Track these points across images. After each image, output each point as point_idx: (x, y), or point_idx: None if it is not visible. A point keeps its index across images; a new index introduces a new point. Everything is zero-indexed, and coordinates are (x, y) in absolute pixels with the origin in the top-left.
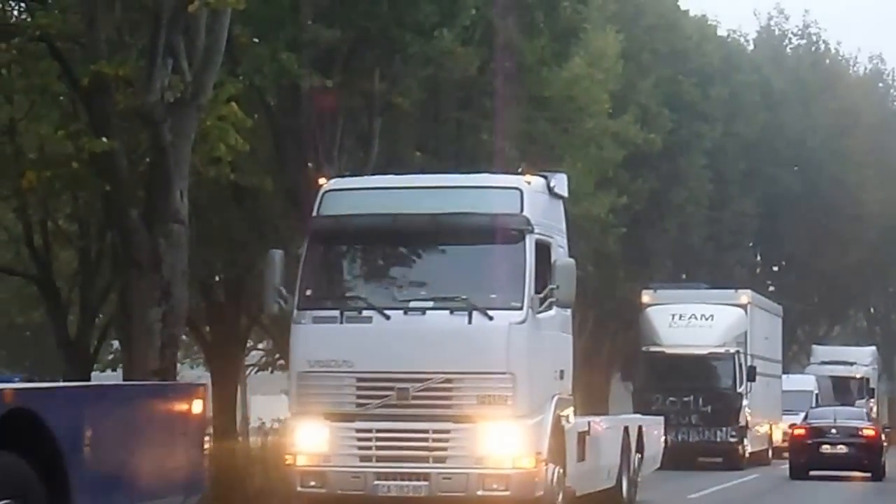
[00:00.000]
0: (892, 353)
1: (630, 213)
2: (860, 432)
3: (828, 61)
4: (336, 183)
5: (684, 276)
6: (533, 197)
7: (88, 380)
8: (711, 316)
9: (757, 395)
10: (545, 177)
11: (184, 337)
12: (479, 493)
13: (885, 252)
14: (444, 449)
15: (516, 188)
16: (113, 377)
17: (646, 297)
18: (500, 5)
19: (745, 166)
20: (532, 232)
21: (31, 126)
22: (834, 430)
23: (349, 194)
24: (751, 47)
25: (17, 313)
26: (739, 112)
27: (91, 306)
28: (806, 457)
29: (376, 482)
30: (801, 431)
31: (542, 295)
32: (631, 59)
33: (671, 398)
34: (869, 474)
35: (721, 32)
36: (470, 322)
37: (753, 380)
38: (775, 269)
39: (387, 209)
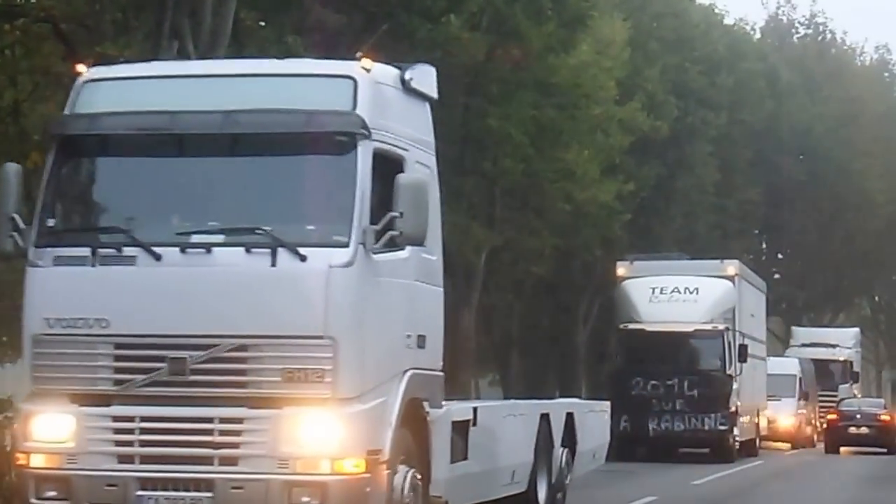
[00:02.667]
0: None
1: (636, 200)
2: (878, 417)
3: (834, 51)
4: (99, 71)
5: None
6: (374, 91)
7: None
8: (696, 289)
9: (745, 379)
10: (399, 67)
11: None
12: None
13: (890, 241)
14: (236, 445)
15: (347, 77)
16: None
17: (621, 269)
18: None
19: (751, 154)
20: (368, 138)
21: (37, 107)
22: (858, 416)
23: (115, 86)
24: (757, 36)
25: (20, 296)
26: (745, 100)
27: None
28: (837, 436)
29: (140, 492)
30: (834, 416)
31: (379, 227)
32: (638, 46)
33: (653, 381)
34: (885, 450)
35: (728, 21)
36: (274, 264)
37: (744, 360)
38: (780, 256)
39: (163, 105)
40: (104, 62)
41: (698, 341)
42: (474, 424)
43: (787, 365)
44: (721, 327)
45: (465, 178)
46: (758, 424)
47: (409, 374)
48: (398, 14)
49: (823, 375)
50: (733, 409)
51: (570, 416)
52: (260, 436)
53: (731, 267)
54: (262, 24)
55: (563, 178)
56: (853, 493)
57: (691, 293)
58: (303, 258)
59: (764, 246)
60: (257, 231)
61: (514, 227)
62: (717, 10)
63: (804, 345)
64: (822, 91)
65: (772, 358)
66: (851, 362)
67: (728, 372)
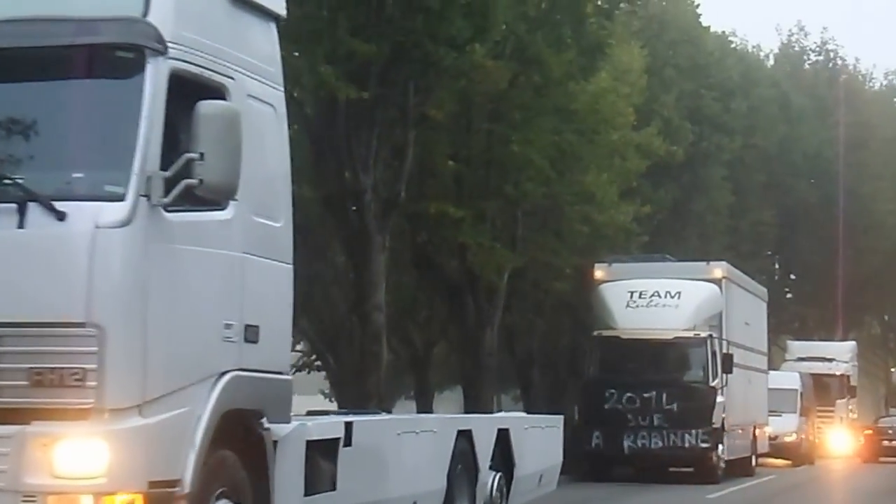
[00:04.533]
0: None
1: (653, 222)
2: None
3: (845, 77)
4: None
5: None
6: None
7: None
8: (678, 293)
9: (736, 391)
10: None
11: None
12: None
13: None
14: None
15: None
16: None
17: (599, 271)
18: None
19: (764, 178)
20: (162, 54)
21: None
22: (890, 430)
23: None
24: (770, 63)
25: None
26: (758, 125)
27: None
28: (874, 449)
29: None
30: (870, 432)
31: (170, 173)
32: (654, 73)
33: (628, 394)
34: None
35: (741, 48)
36: (22, 225)
37: (730, 371)
38: (793, 277)
39: None
40: None
41: (679, 350)
42: (347, 444)
43: (788, 379)
44: (704, 335)
45: (489, 201)
46: (754, 442)
47: (228, 377)
48: (425, 43)
49: (820, 390)
50: (717, 424)
51: (503, 432)
52: None
53: (718, 269)
54: (297, 54)
55: (582, 200)
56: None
57: (672, 297)
58: (60, 216)
59: (776, 266)
60: (2, 180)
61: (536, 248)
62: (731, 39)
63: (800, 359)
64: (833, 116)
65: (772, 372)
66: (848, 377)
67: (711, 384)
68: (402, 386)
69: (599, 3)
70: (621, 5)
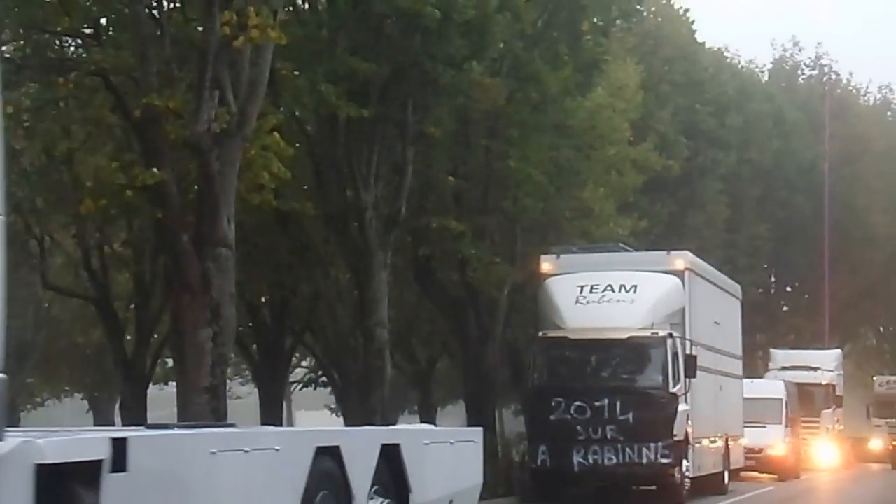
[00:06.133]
0: None
1: (650, 236)
2: None
3: (839, 91)
4: None
5: None
6: None
7: (145, 396)
8: (634, 287)
9: (703, 399)
10: None
11: (232, 355)
12: None
13: (894, 273)
14: None
15: None
16: (167, 391)
17: (546, 264)
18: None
19: (759, 191)
20: None
21: (88, 157)
22: None
23: None
24: (765, 78)
25: (77, 333)
26: (753, 139)
27: (146, 326)
28: None
29: None
30: None
31: None
32: (650, 89)
33: (577, 403)
34: None
35: (736, 62)
36: None
37: (693, 375)
38: (789, 289)
39: None
40: (153, 113)
41: (634, 351)
42: (118, 469)
43: (772, 388)
44: (663, 334)
45: (488, 216)
46: (726, 456)
47: None
48: (423, 62)
49: (804, 400)
50: (680, 436)
51: (391, 449)
52: None
53: (680, 260)
54: (297, 73)
55: (580, 215)
56: None
57: (627, 291)
58: None
59: (773, 279)
60: None
61: (535, 263)
62: (726, 54)
63: (784, 368)
64: (827, 130)
65: (755, 380)
66: (834, 386)
67: (672, 390)
68: (406, 401)
69: (595, 20)
70: (617, 22)
